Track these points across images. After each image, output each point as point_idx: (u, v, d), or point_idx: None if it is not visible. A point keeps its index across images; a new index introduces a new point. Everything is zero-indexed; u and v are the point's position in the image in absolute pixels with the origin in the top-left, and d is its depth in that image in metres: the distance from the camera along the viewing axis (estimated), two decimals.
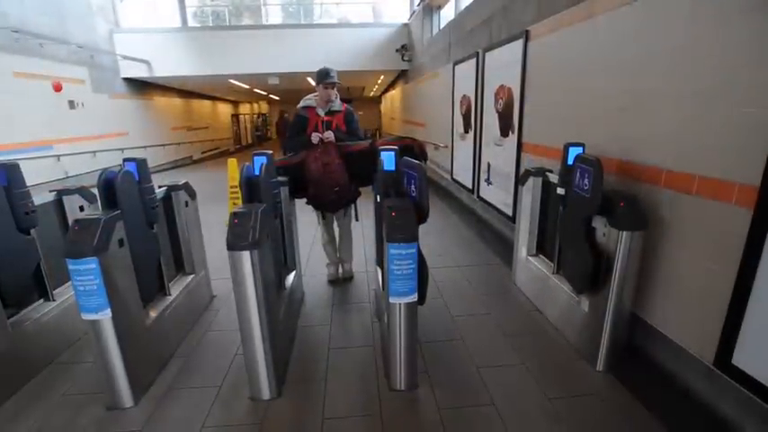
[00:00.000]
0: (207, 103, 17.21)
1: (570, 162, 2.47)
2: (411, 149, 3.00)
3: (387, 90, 17.25)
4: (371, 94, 20.48)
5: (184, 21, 11.76)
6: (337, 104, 3.28)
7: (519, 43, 3.90)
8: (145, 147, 10.99)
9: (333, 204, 3.27)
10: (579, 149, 2.53)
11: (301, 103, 3.28)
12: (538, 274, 3.06)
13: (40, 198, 2.53)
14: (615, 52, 2.55)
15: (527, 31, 3.76)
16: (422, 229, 2.05)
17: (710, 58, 1.87)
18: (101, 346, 1.98)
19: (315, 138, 3.10)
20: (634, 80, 2.37)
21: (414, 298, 2.05)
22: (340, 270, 3.70)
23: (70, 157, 8.18)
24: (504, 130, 4.46)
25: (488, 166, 5.00)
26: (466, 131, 5.76)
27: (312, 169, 3.08)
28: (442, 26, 7.72)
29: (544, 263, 3.09)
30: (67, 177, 7.96)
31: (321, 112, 3.22)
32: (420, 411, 2.04)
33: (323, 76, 3.14)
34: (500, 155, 4.59)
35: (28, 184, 2.33)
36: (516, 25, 4.03)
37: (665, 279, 2.20)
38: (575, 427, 1.93)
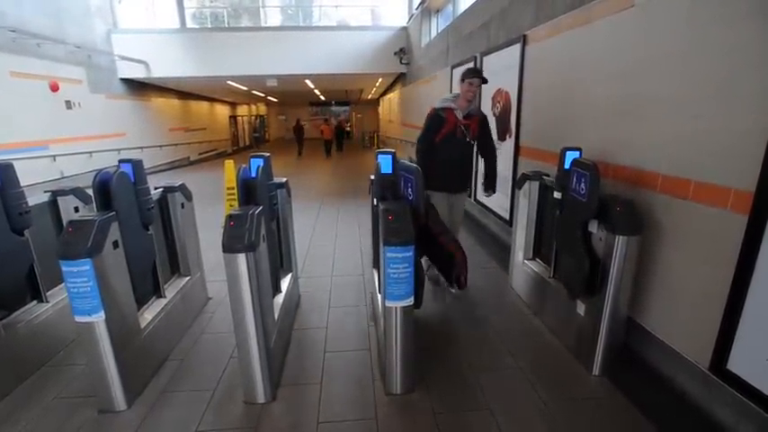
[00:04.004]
0: (205, 104, 17.20)
1: (567, 166, 2.48)
2: (450, 259, 2.50)
3: (385, 93, 17.29)
4: (369, 96, 20.51)
5: (183, 22, 11.76)
6: (475, 108, 3.24)
7: (517, 47, 3.92)
8: (142, 147, 10.97)
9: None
10: (576, 154, 2.54)
11: (439, 104, 3.17)
12: (534, 278, 3.06)
13: (35, 198, 2.51)
14: (613, 57, 2.56)
15: (525, 36, 3.78)
16: None
17: (708, 63, 1.88)
18: (94, 348, 1.96)
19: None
20: (632, 85, 2.39)
21: (410, 301, 2.04)
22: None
23: (66, 158, 8.15)
24: (502, 133, 4.48)
25: None
26: None
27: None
28: (440, 30, 7.75)
29: (541, 267, 3.09)
30: (63, 178, 7.93)
31: (460, 115, 3.14)
32: (416, 415, 2.03)
33: (470, 71, 3.09)
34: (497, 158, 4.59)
35: (22, 184, 2.32)
36: (514, 29, 4.05)
37: (661, 283, 2.20)
38: (570, 430, 1.93)
